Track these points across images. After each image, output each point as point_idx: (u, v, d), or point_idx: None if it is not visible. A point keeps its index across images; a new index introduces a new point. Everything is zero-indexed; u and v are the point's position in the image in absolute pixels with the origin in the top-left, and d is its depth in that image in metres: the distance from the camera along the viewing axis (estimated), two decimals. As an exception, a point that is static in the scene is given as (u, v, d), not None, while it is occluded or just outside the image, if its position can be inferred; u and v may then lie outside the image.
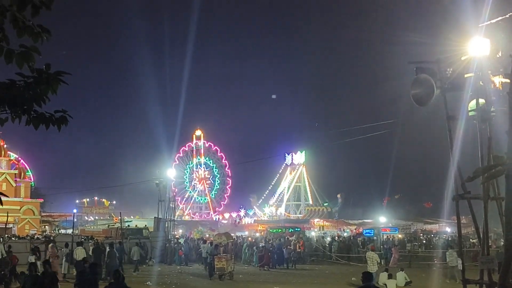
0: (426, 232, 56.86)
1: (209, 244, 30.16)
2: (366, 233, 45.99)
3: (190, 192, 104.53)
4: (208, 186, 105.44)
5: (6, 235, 33.77)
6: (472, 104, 10.44)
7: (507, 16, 9.74)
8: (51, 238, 32.91)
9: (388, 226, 52.91)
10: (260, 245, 35.48)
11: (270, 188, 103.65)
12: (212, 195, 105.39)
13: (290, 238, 41.85)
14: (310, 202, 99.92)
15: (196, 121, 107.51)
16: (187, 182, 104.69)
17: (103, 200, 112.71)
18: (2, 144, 52.44)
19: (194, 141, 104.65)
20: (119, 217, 40.09)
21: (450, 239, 42.99)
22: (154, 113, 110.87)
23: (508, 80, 9.30)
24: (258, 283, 24.94)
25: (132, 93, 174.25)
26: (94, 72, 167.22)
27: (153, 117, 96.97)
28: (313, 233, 58.15)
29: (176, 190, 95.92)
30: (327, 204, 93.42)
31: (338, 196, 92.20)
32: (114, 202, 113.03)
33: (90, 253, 25.72)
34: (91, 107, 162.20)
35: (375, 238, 43.61)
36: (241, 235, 53.12)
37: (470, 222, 22.22)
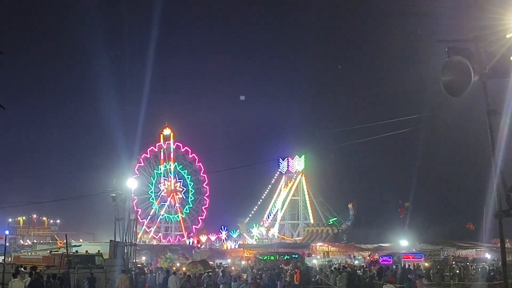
0: (459, 259, 57.06)
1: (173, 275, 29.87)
2: (383, 260, 46.08)
3: (157, 208, 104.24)
4: (179, 200, 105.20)
5: None
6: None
7: None
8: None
9: (411, 252, 53.05)
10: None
11: (259, 203, 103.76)
12: (184, 212, 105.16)
13: (285, 268, 41.74)
14: (311, 221, 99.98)
15: (164, 119, 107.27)
16: (152, 197, 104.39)
17: (44, 218, 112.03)
18: None
19: (162, 142, 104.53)
20: (65, 241, 39.81)
21: (492, 268, 43.23)
22: (110, 108, 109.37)
23: None
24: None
25: (82, 82, 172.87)
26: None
27: (109, 114, 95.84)
28: (314, 261, 58.17)
29: (137, 203, 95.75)
30: (335, 219, 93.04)
31: (350, 206, 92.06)
32: (58, 221, 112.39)
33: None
34: (29, 98, 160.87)
35: (394, 267, 43.73)
36: (222, 263, 53.02)
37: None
